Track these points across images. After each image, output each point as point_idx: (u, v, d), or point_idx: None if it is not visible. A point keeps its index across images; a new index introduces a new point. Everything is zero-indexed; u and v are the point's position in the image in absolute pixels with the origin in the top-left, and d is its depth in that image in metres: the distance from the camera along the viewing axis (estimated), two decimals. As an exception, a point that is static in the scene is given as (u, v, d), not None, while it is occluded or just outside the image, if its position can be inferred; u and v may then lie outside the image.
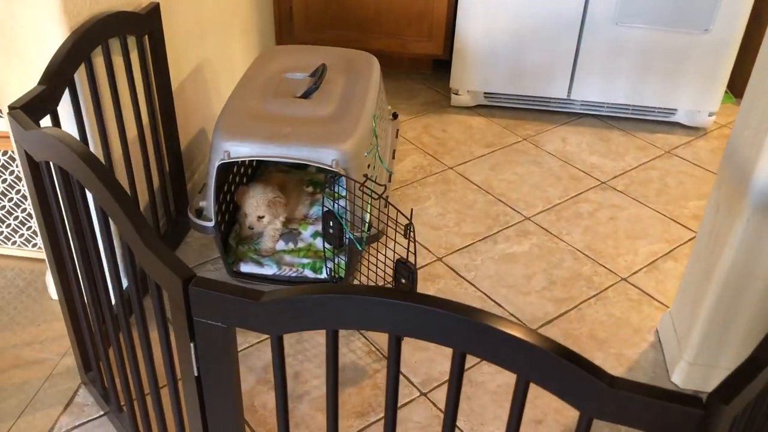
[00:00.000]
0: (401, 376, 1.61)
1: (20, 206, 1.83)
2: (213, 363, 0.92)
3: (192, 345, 0.91)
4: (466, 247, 2.02)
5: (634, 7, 2.36)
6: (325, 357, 0.86)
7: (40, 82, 1.31)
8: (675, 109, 2.60)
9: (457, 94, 2.68)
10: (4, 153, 1.75)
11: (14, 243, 1.91)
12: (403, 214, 1.49)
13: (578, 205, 2.20)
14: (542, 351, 0.75)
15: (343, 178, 1.65)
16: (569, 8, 2.41)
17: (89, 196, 1.12)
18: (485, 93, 2.67)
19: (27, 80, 1.45)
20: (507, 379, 1.60)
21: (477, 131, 2.58)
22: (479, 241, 2.04)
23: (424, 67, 2.98)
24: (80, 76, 1.46)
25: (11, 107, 1.22)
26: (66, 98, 1.41)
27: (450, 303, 0.78)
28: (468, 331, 0.77)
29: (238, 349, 1.65)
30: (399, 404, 1.54)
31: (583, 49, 2.47)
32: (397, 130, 2.27)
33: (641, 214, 2.17)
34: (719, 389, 0.74)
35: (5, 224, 1.87)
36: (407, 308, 0.78)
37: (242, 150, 1.64)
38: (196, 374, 0.94)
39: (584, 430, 0.78)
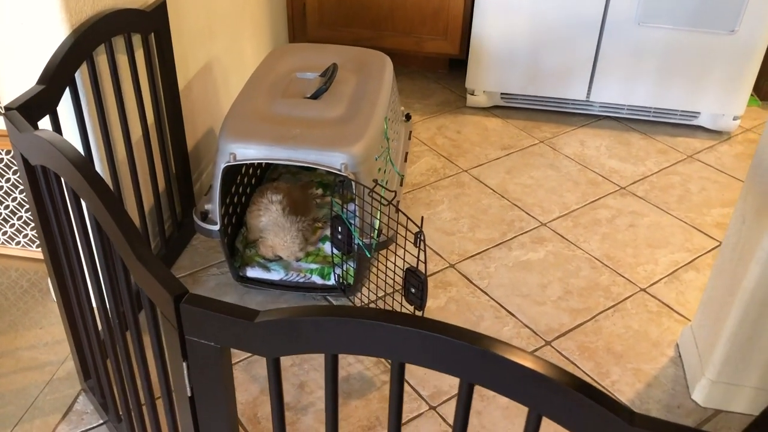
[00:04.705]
0: (410, 389, 1.55)
1: (24, 206, 1.79)
2: (207, 383, 0.87)
3: (185, 364, 0.86)
4: (479, 253, 1.96)
5: (656, 6, 2.28)
6: (324, 382, 0.81)
7: (39, 82, 1.26)
8: (698, 112, 2.51)
9: (473, 94, 2.61)
10: (8, 152, 1.72)
11: (18, 243, 1.88)
12: (413, 222, 1.43)
13: (596, 211, 2.13)
14: (555, 384, 0.69)
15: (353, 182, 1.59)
16: (589, 8, 2.34)
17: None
18: (502, 94, 2.61)
19: (27, 80, 1.41)
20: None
21: (493, 133, 2.51)
22: (493, 247, 1.98)
23: (440, 66, 2.91)
24: (82, 75, 1.42)
25: (7, 107, 1.18)
26: (67, 98, 1.37)
27: (456, 329, 0.72)
28: (475, 360, 0.71)
29: (242, 358, 1.61)
30: (406, 419, 1.49)
31: (603, 49, 2.40)
32: (410, 132, 2.21)
33: (662, 222, 2.10)
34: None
35: (9, 224, 1.84)
36: (411, 334, 0.73)
37: (248, 152, 1.59)
38: (189, 394, 0.89)
39: (602, 469, 0.72)
